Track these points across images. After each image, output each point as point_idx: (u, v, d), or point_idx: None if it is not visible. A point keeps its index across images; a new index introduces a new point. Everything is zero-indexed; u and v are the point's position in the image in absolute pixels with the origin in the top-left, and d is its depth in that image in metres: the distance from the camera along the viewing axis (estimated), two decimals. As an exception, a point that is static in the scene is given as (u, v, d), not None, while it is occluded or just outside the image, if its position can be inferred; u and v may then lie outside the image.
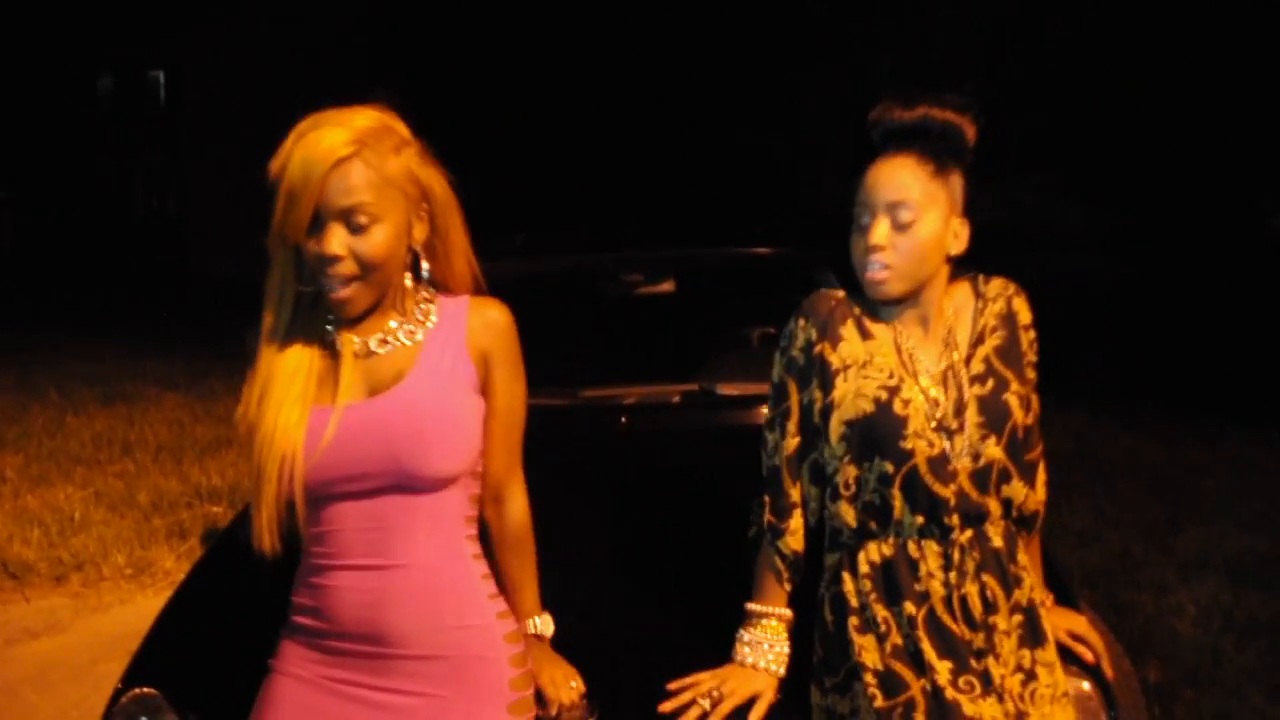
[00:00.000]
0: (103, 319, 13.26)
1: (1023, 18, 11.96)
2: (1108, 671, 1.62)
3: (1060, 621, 1.62)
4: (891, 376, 1.49)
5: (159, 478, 5.53)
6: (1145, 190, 12.31)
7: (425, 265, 1.41)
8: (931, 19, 12.23)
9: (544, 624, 1.55)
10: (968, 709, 1.39)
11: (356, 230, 1.30)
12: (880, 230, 1.44)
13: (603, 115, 12.13)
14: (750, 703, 1.51)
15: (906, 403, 1.47)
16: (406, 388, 1.35)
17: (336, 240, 1.29)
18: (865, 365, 1.50)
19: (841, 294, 1.58)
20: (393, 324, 1.39)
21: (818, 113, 11.63)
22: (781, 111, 11.88)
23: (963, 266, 1.57)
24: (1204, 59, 10.77)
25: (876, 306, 1.55)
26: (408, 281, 1.40)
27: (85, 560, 4.31)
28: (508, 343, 1.44)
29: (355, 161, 1.29)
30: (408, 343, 1.38)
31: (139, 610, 3.86)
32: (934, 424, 1.47)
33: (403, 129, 1.38)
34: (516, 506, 1.52)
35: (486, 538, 1.49)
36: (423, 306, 1.42)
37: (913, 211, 1.44)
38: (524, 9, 12.27)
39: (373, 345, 1.38)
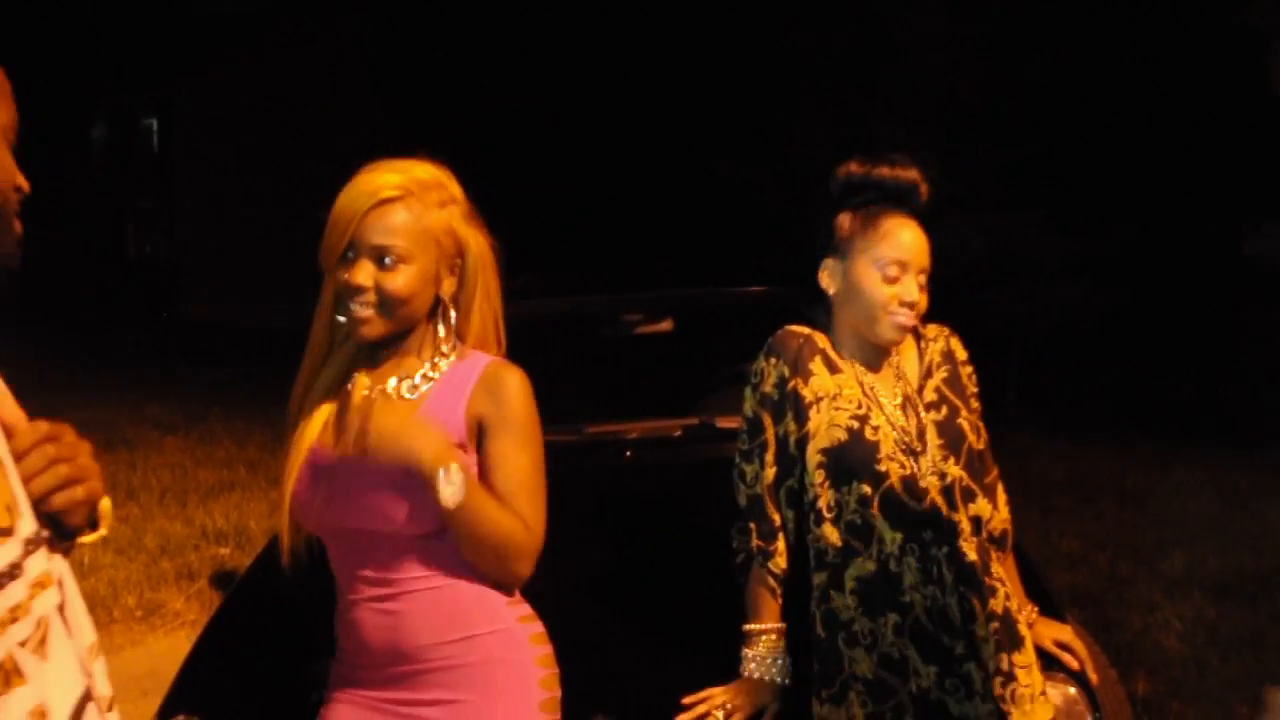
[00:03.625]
0: (98, 363, 13.31)
1: (1008, 59, 12.26)
2: (1092, 676, 1.74)
3: (1046, 631, 1.73)
4: (860, 406, 1.63)
5: (164, 521, 5.60)
6: (1128, 220, 12.55)
7: (453, 314, 1.49)
8: (922, 60, 12.53)
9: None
10: (953, 709, 1.53)
11: (384, 267, 1.40)
12: (915, 287, 1.61)
13: (598, 155, 12.35)
14: (759, 715, 1.62)
15: (876, 429, 1.62)
16: None
17: (364, 273, 1.40)
18: (835, 397, 1.64)
19: (807, 331, 1.71)
20: (394, 380, 1.47)
21: (810, 151, 11.87)
22: (774, 149, 12.12)
23: (950, 299, 1.73)
24: (1181, 87, 11.06)
25: (837, 343, 1.70)
26: (440, 330, 1.49)
27: (95, 603, 4.38)
28: (512, 409, 1.45)
29: (398, 205, 1.41)
30: (410, 397, 1.46)
31: (151, 651, 3.93)
32: (902, 447, 1.61)
33: (454, 187, 1.48)
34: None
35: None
36: (435, 360, 1.48)
37: (927, 274, 1.64)
38: (522, 54, 12.49)
39: (376, 396, 1.45)
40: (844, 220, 1.67)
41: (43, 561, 0.98)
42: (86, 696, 0.99)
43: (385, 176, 1.42)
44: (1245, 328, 9.39)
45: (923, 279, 1.63)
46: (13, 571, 0.93)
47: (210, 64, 21.59)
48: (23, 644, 0.93)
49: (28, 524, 0.97)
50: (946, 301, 1.95)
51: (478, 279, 1.50)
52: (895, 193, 1.64)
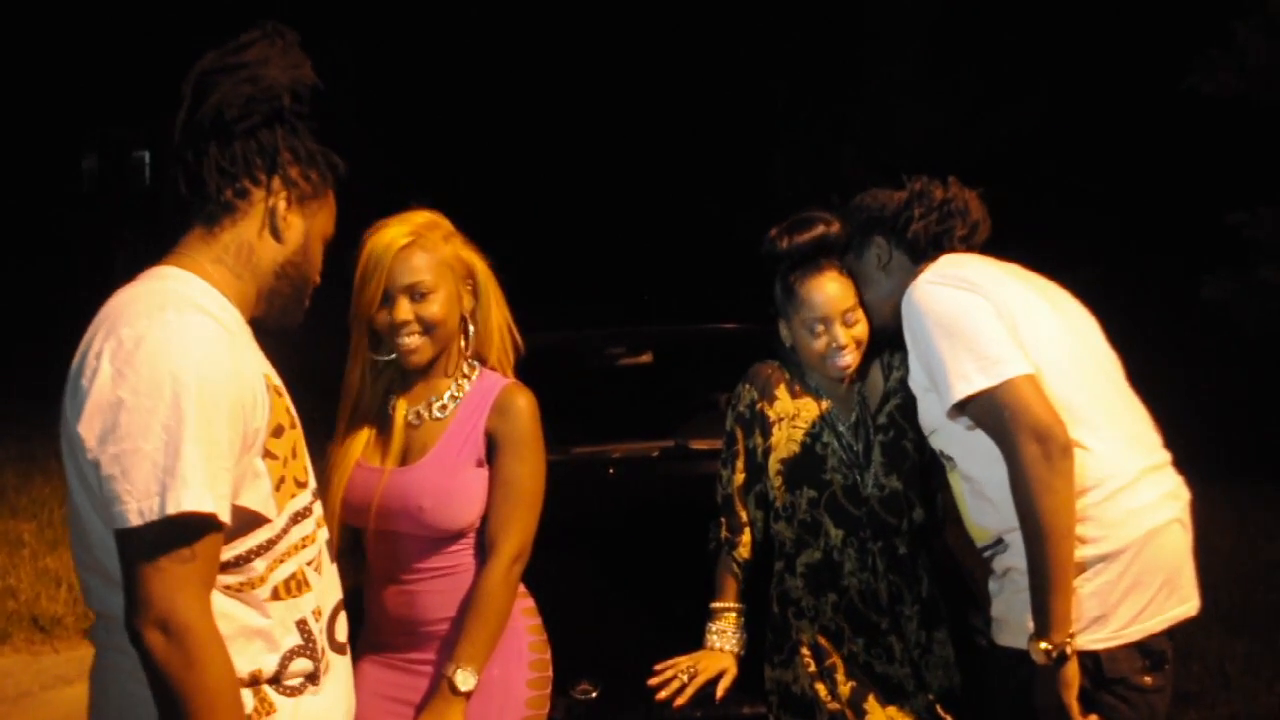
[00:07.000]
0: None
1: (979, 106, 12.74)
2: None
3: None
4: (814, 426, 1.98)
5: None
6: (1093, 262, 13.01)
7: (472, 329, 1.78)
8: (895, 105, 13.00)
9: (463, 679, 1.65)
10: (877, 668, 1.87)
11: (418, 299, 1.70)
12: (844, 333, 1.91)
13: (585, 196, 12.72)
14: (719, 677, 1.95)
15: (825, 445, 1.96)
16: (427, 463, 1.73)
17: (404, 309, 1.69)
18: (795, 418, 1.99)
19: (777, 364, 2.07)
20: (433, 398, 1.75)
21: (787, 191, 12.28)
22: (751, 190, 12.52)
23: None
24: (1145, 141, 11.57)
25: (802, 374, 2.03)
26: (462, 342, 1.77)
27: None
28: (520, 430, 1.72)
29: (414, 248, 1.70)
30: (440, 416, 1.76)
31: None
32: (847, 462, 1.95)
33: (447, 223, 1.78)
34: (492, 569, 1.70)
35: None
36: (459, 381, 1.78)
37: (856, 312, 1.94)
38: (506, 91, 12.88)
39: (411, 418, 1.76)
40: (776, 290, 1.99)
41: (320, 508, 1.40)
42: (340, 605, 1.41)
43: (395, 229, 1.71)
44: (1199, 372, 9.74)
45: (852, 316, 1.91)
46: (305, 512, 1.34)
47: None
48: (309, 563, 1.33)
49: (313, 482, 1.38)
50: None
51: (489, 292, 1.80)
52: (807, 254, 1.94)
